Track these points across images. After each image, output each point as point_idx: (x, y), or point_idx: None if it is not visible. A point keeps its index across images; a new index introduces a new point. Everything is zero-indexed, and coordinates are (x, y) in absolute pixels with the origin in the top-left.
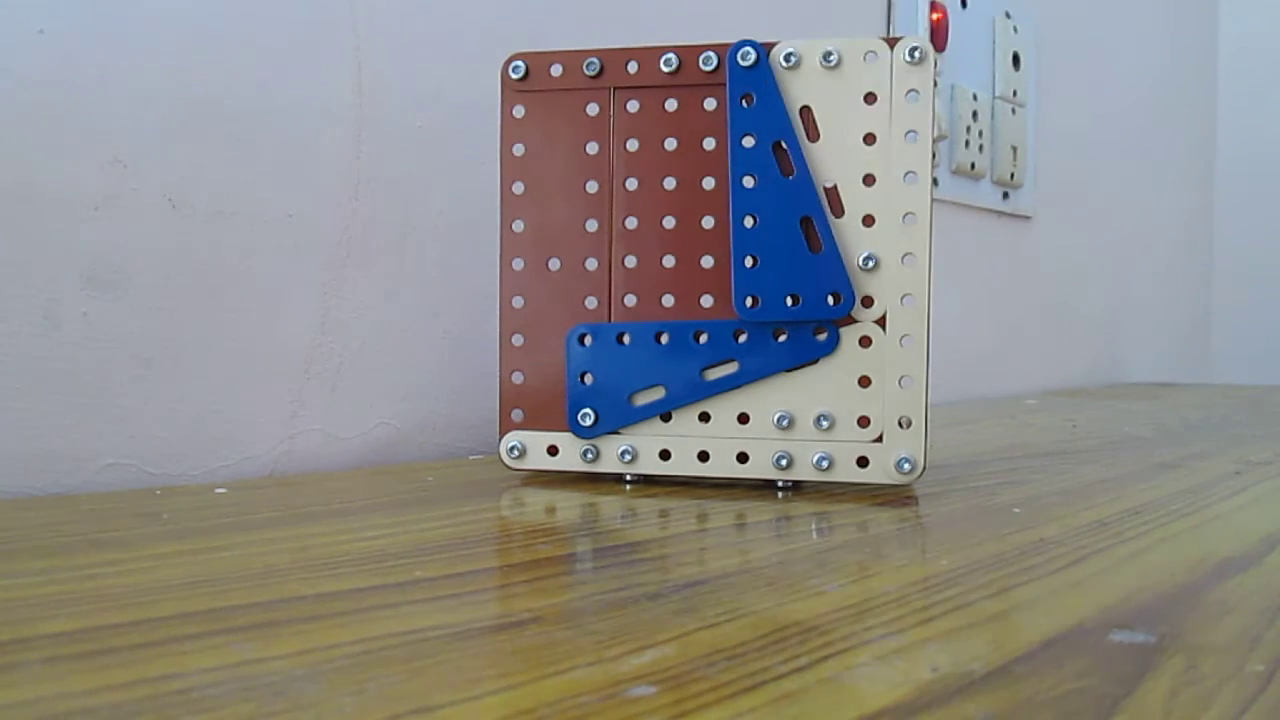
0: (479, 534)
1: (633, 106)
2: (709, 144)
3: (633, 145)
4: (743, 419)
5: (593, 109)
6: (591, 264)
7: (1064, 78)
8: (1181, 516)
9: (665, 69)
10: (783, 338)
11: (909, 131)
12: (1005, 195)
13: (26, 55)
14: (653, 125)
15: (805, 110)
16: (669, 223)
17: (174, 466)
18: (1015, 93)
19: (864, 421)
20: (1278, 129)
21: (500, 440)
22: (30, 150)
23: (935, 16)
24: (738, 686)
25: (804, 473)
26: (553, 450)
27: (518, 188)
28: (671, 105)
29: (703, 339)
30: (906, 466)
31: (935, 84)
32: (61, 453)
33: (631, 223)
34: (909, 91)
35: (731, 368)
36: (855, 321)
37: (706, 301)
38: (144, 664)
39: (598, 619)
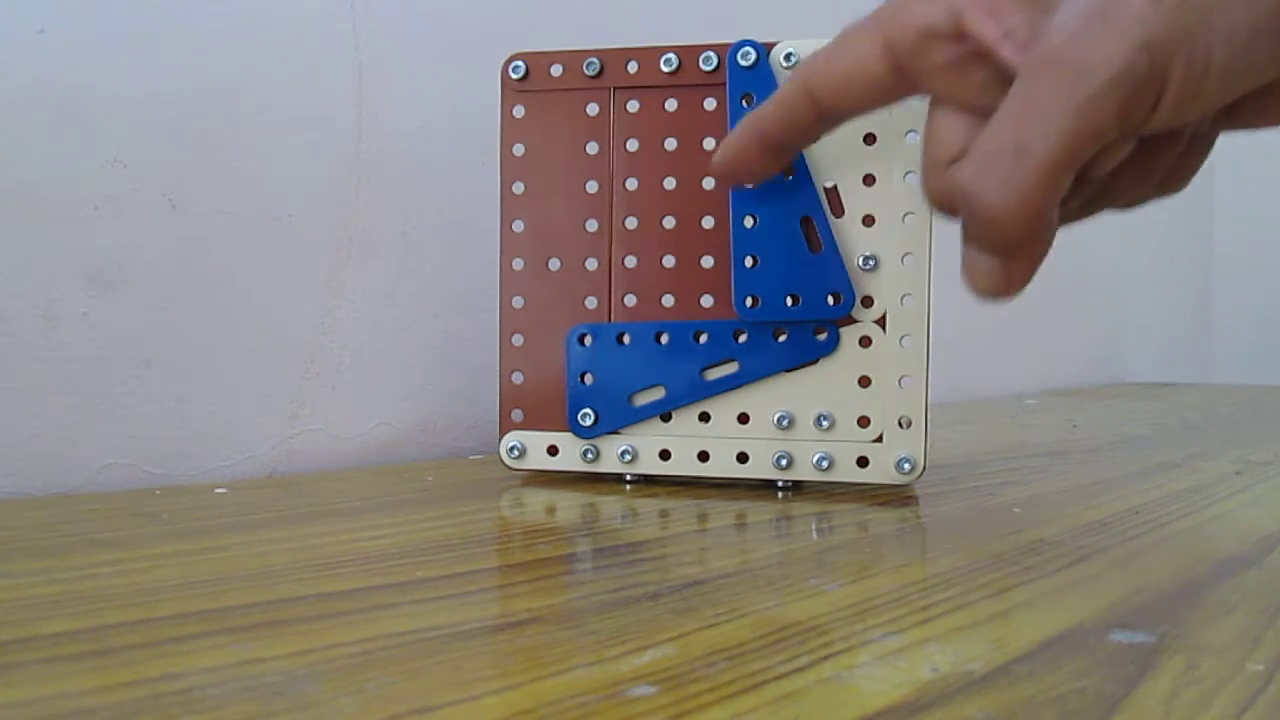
0: (479, 534)
1: (633, 106)
2: (709, 144)
3: (633, 145)
4: (743, 419)
5: (593, 109)
6: (591, 264)
7: None
8: (1181, 516)
9: (665, 69)
10: (783, 338)
11: (909, 131)
12: None
13: (26, 55)
14: (653, 125)
15: None
16: (669, 223)
17: (174, 466)
18: None
19: (864, 421)
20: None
21: (500, 440)
22: (30, 150)
23: None
24: (738, 686)
25: (804, 473)
26: (553, 450)
27: (518, 188)
28: (671, 105)
29: (703, 339)
30: (906, 466)
31: None
32: (61, 453)
33: (631, 223)
34: None
35: (731, 368)
36: (855, 321)
37: (706, 301)
38: (144, 664)
39: (598, 619)
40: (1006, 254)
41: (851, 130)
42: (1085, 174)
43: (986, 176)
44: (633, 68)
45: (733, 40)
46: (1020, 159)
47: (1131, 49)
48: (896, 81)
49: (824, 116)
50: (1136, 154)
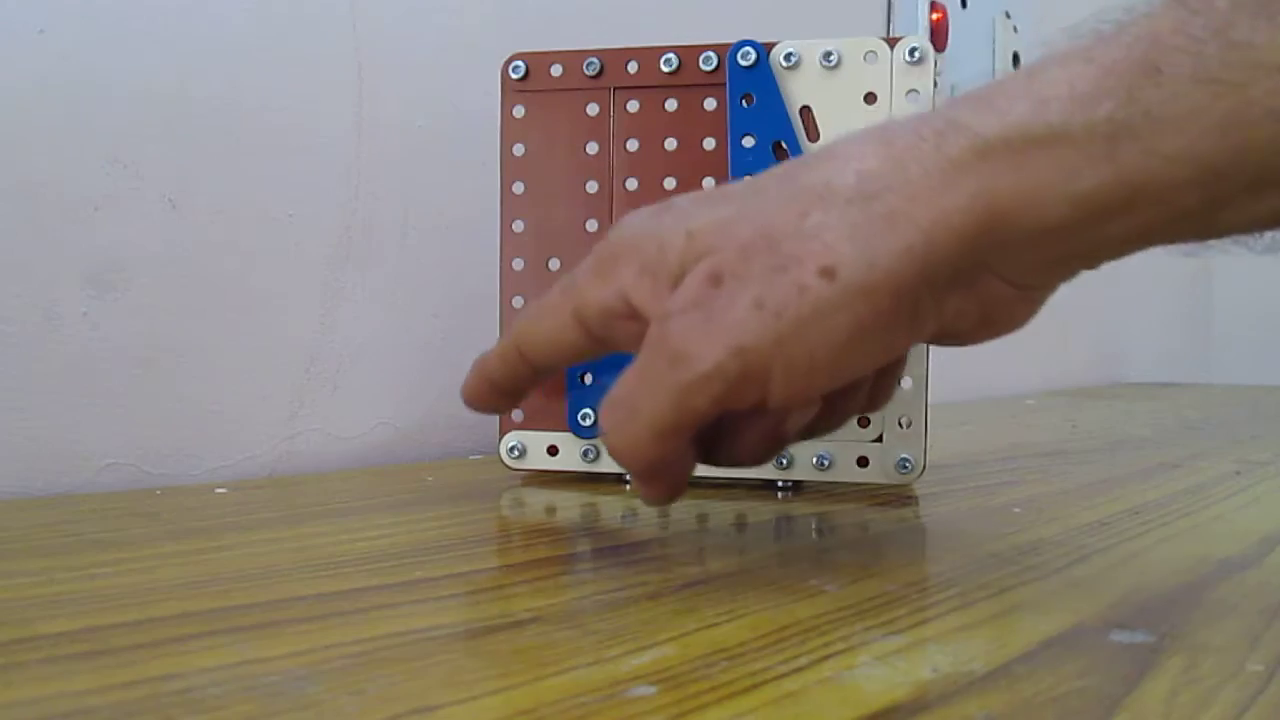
0: (479, 534)
1: (633, 106)
2: (709, 144)
3: (633, 145)
4: None
5: (593, 109)
6: None
7: None
8: (1181, 516)
9: (665, 69)
10: None
11: None
12: None
13: (26, 55)
14: (653, 125)
15: (805, 110)
16: None
17: (174, 466)
18: None
19: (864, 422)
20: None
21: (500, 440)
22: (30, 150)
23: (935, 16)
24: (738, 686)
25: (804, 473)
26: (553, 450)
27: (518, 188)
28: (671, 105)
29: None
30: (907, 466)
31: (935, 84)
32: (61, 453)
33: None
34: (909, 91)
35: None
36: None
37: None
38: (144, 664)
39: (598, 619)
40: (641, 480)
41: (851, 129)
42: (782, 432)
43: (609, 420)
44: (633, 68)
45: (732, 40)
46: (632, 417)
47: (724, 352)
48: (593, 344)
49: (537, 370)
50: (826, 402)
